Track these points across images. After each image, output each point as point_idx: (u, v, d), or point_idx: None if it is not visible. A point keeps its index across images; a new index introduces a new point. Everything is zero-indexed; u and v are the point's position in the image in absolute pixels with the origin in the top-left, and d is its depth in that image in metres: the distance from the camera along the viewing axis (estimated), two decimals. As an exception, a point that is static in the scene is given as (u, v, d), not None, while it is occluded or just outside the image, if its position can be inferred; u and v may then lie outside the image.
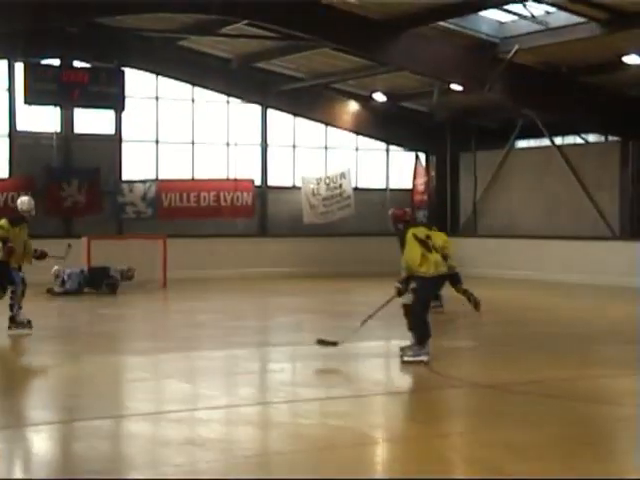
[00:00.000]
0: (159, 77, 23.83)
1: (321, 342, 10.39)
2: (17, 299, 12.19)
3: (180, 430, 7.00)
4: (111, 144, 23.43)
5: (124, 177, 23.64)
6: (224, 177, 24.74)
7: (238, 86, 24.56)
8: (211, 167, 24.65)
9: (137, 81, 23.27)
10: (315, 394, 8.54)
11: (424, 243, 9.79)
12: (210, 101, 24.62)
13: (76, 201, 22.59)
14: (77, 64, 22.13)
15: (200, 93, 24.44)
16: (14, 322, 12.22)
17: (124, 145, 23.74)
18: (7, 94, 22.06)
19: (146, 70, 23.53)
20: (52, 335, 12.74)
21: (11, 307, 12.21)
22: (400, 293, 9.92)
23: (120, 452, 6.57)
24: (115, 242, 20.61)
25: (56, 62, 21.90)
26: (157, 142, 24.08)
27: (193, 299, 18.14)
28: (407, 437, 6.95)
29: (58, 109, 22.53)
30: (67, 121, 22.86)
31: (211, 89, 24.51)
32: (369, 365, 10.41)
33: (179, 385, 9.12)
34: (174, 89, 24.13)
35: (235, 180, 24.63)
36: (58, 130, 22.77)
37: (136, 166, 23.85)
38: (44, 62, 21.78)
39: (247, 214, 24.60)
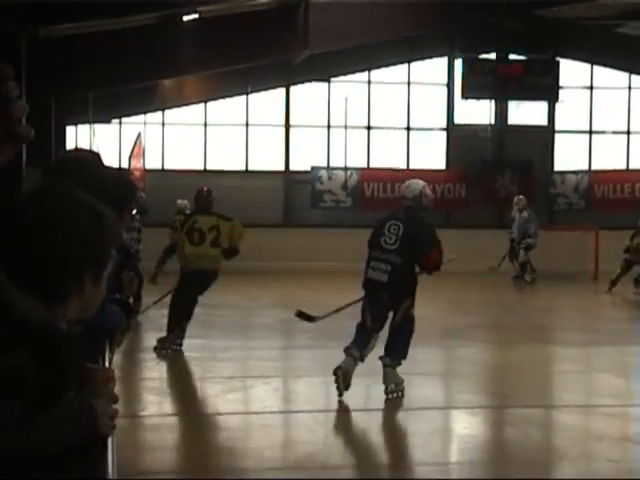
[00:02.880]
0: (594, 66, 23.39)
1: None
2: None
3: (614, 425, 6.92)
4: (544, 135, 23.46)
5: (556, 168, 23.57)
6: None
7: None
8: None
9: (571, 71, 23.03)
10: None
11: None
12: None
13: (509, 192, 22.93)
14: (512, 57, 22.48)
15: (636, 80, 23.59)
16: None
17: (557, 136, 23.65)
18: (446, 89, 23.01)
19: (580, 60, 23.22)
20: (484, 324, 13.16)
21: None
22: None
23: (552, 442, 6.66)
24: (545, 233, 20.63)
25: (492, 56, 22.43)
26: (590, 132, 23.66)
27: (625, 292, 17.59)
28: None
29: (492, 102, 23.05)
30: (501, 113, 23.28)
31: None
32: None
33: (612, 379, 8.98)
34: (609, 77, 23.53)
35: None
36: (492, 122, 23.29)
37: (569, 157, 23.64)
38: (481, 57, 22.41)
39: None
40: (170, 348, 9.65)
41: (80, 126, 20.92)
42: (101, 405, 1.97)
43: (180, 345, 9.75)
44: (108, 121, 21.51)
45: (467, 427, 6.99)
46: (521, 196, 19.94)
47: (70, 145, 19.94)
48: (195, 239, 10.06)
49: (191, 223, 10.20)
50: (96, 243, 1.93)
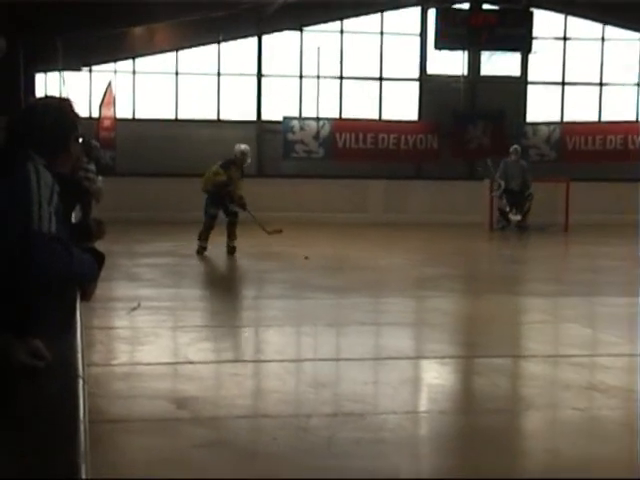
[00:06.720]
0: (568, 17, 23.32)
1: None
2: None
3: (581, 375, 7.03)
4: (516, 86, 23.44)
5: (528, 119, 23.60)
6: (633, 119, 23.83)
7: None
8: (620, 109, 23.78)
9: (544, 22, 22.96)
10: None
11: None
12: (620, 39, 23.67)
13: (481, 143, 22.99)
14: (485, 7, 22.37)
15: (611, 31, 23.57)
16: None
17: (529, 87, 23.65)
18: (419, 39, 22.87)
19: (554, 10, 23.14)
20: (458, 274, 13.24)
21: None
22: None
23: (519, 392, 6.76)
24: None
25: (465, 6, 22.30)
26: (563, 84, 23.68)
27: (595, 244, 17.75)
28: None
29: (465, 52, 22.96)
30: (474, 64, 23.21)
31: (624, 27, 23.50)
32: None
33: (580, 330, 9.10)
34: (583, 28, 23.49)
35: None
36: (465, 73, 23.22)
37: (541, 108, 23.67)
38: (454, 7, 22.28)
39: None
40: None
41: (50, 74, 20.64)
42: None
43: None
44: (78, 69, 21.22)
45: (437, 377, 7.07)
46: (516, 145, 20.03)
47: (40, 93, 19.69)
48: None
49: None
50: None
